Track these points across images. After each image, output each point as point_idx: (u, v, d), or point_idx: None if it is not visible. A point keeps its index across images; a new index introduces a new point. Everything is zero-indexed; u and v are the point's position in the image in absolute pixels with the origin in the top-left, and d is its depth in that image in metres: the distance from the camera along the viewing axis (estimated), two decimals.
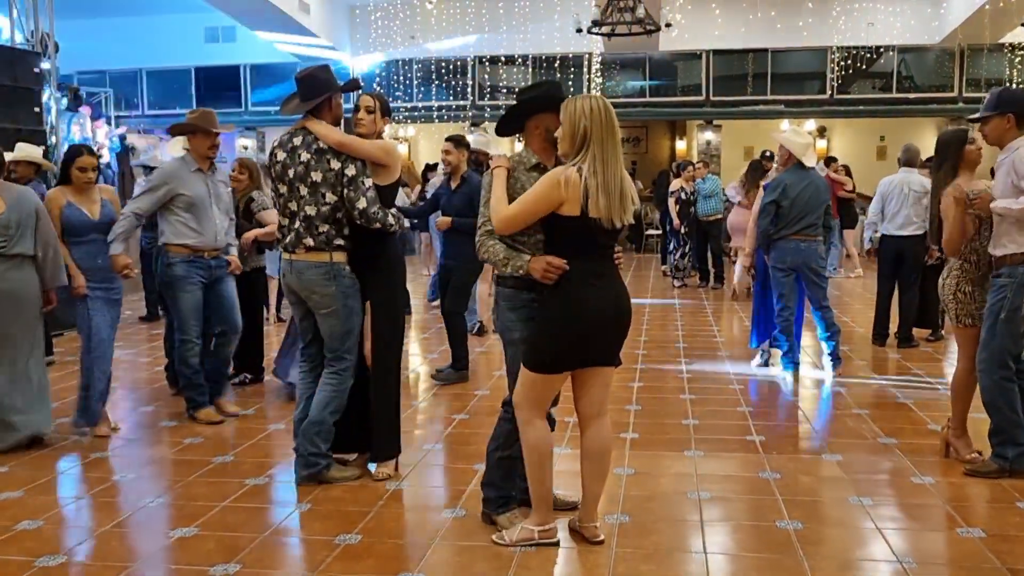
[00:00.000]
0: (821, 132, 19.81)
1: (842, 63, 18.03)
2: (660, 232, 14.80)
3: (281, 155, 4.23)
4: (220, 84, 19.57)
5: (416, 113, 19.02)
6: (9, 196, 4.82)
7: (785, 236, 6.53)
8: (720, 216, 12.30)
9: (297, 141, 4.20)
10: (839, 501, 4.10)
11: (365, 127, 4.29)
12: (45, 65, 8.53)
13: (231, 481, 4.38)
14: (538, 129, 3.56)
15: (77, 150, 5.26)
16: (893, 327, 7.91)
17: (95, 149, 11.93)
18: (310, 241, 4.17)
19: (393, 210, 4.25)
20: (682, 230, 12.20)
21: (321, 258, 4.17)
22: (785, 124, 18.60)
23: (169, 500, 4.14)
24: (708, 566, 3.40)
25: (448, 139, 6.80)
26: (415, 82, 18.87)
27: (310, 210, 4.16)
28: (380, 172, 4.22)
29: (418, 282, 13.76)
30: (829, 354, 6.66)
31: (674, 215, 12.28)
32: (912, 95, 18.55)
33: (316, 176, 4.13)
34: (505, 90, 19.03)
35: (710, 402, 5.94)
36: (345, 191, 4.11)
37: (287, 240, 4.24)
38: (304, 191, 4.16)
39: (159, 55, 18.97)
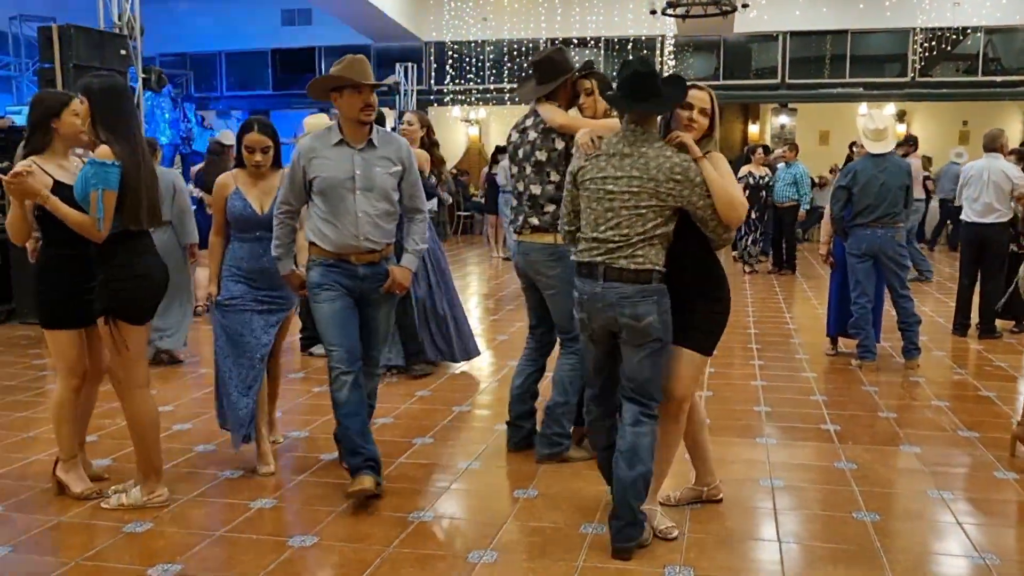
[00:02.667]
0: (901, 116, 19.25)
1: (925, 44, 17.48)
2: None
3: (514, 136, 4.36)
4: (296, 66, 19.90)
5: (488, 95, 19.04)
6: None
7: (862, 224, 6.39)
8: (795, 202, 12.07)
9: (528, 123, 4.30)
10: (918, 494, 4.02)
11: (589, 108, 4.22)
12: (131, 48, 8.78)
13: (308, 456, 4.48)
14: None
15: (248, 124, 4.26)
16: (975, 317, 7.70)
17: (186, 132, 12.02)
18: (535, 221, 4.23)
19: None
20: (751, 216, 11.99)
21: (546, 239, 4.22)
22: (863, 107, 18.14)
23: (248, 473, 4.25)
24: (782, 554, 3.37)
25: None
26: (487, 64, 18.88)
27: (535, 189, 4.23)
28: None
29: (485, 265, 13.85)
30: (907, 344, 6.50)
31: None
32: (999, 78, 17.90)
33: (541, 155, 4.20)
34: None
35: (782, 390, 5.86)
36: None
37: (517, 221, 4.32)
38: (529, 170, 4.26)
39: (237, 38, 19.36)
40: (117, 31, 8.70)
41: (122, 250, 3.63)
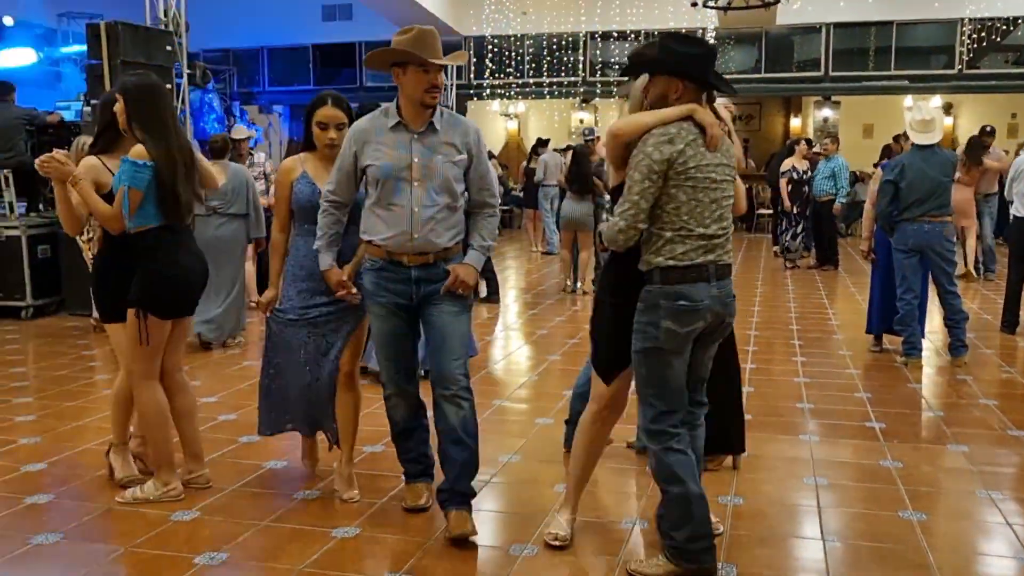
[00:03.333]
0: (947, 109, 18.89)
1: (973, 36, 17.13)
2: (771, 212, 14.46)
3: None
4: (337, 61, 20.03)
5: (527, 89, 19.02)
6: (227, 171, 6.76)
7: (909, 218, 6.29)
8: (834, 196, 11.88)
9: None
10: (965, 493, 3.95)
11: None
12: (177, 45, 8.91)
13: None
14: None
15: (320, 99, 3.74)
16: None
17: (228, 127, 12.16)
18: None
19: None
20: (794, 210, 11.86)
21: None
22: (908, 100, 17.84)
23: (292, 464, 4.30)
24: (825, 553, 3.33)
25: None
26: (526, 58, 18.85)
27: None
28: None
29: (524, 259, 13.85)
30: (954, 341, 6.39)
31: (784, 196, 11.93)
32: None
33: None
34: (617, 66, 18.81)
35: (826, 386, 5.80)
36: None
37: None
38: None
39: (279, 34, 19.52)
40: (163, 27, 8.82)
41: (162, 247, 3.70)
